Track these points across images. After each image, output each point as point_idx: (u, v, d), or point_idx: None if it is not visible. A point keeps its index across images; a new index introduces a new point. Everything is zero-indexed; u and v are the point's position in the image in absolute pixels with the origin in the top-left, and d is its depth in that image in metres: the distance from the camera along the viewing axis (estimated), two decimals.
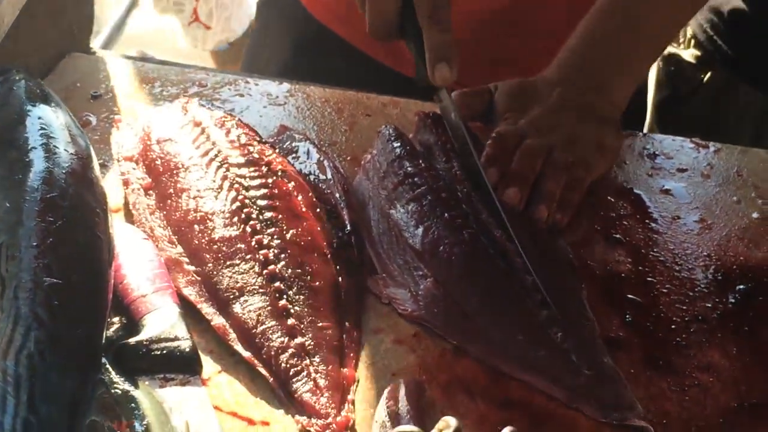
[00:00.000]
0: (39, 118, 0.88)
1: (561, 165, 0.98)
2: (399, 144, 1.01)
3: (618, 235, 0.98)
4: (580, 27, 1.06)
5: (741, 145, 1.13)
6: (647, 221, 1.00)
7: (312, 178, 0.99)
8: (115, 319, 0.79)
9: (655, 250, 0.96)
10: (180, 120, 1.00)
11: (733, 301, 0.91)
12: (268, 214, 0.89)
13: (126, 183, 0.95)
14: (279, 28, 1.25)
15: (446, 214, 0.93)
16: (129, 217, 0.93)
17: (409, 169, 0.98)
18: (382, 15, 0.98)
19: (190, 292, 0.85)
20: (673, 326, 0.88)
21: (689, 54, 1.42)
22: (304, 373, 0.79)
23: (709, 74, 1.40)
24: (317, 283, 0.86)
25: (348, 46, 1.27)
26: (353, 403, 0.79)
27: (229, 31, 2.17)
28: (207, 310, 0.84)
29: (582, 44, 1.06)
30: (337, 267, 0.89)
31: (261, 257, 0.86)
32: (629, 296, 0.91)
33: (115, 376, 0.74)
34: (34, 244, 0.74)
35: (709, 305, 0.90)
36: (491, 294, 0.87)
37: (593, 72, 1.05)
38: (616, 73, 1.05)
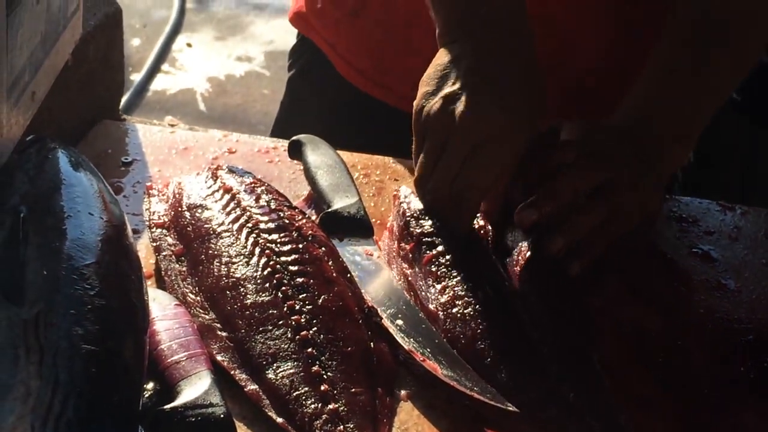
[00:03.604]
0: (74, 186, 0.89)
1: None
2: (415, 205, 1.02)
3: (648, 296, 0.98)
4: (644, 82, 1.05)
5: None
6: (676, 283, 1.00)
7: None
8: (150, 386, 0.80)
9: (685, 311, 0.96)
10: (210, 186, 1.01)
11: (766, 364, 0.90)
12: (299, 280, 0.90)
13: (158, 249, 0.96)
14: (312, 97, 1.26)
15: (460, 275, 0.93)
16: (161, 284, 0.94)
17: (425, 229, 0.98)
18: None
19: (223, 358, 0.85)
20: (705, 389, 0.88)
21: None
22: None
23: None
24: (349, 348, 0.86)
25: (387, 109, 1.27)
26: None
27: None
28: (240, 376, 0.84)
29: (643, 104, 1.04)
30: (369, 332, 0.89)
31: (293, 323, 0.86)
32: (661, 358, 0.91)
33: None
34: (72, 311, 0.75)
35: (742, 368, 0.90)
36: (502, 354, 0.87)
37: (653, 138, 1.02)
38: (675, 140, 1.03)
